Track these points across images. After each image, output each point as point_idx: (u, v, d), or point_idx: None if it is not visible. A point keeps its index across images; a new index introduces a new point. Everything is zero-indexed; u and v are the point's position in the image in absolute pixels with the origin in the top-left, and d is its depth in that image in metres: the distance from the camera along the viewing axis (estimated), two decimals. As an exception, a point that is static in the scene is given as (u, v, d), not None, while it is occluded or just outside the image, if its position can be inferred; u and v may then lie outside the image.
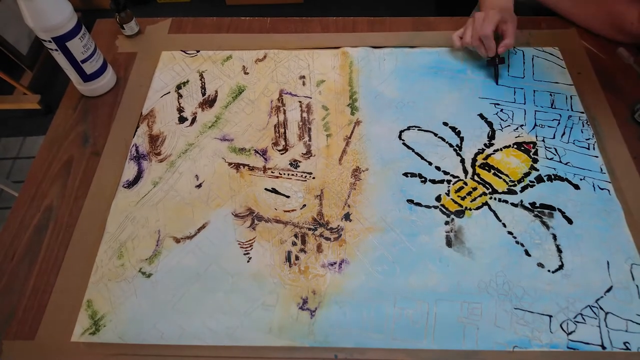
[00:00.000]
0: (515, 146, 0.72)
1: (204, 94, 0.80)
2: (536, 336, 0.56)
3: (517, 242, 0.63)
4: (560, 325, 0.57)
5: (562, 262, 0.61)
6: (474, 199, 0.67)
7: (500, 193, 0.67)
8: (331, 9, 2.20)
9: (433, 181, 0.69)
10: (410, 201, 0.67)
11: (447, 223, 0.65)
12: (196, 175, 0.70)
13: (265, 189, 0.69)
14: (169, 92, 0.81)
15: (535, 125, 0.74)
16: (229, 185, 0.69)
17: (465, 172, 0.70)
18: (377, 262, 0.62)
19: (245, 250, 0.63)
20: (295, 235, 0.64)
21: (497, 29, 0.76)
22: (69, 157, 0.74)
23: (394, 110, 0.77)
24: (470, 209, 0.66)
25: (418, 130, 0.75)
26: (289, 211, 0.67)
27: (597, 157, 0.71)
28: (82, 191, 0.70)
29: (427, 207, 0.66)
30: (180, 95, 0.80)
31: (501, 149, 0.72)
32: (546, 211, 0.65)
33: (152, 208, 0.67)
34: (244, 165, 0.71)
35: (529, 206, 0.66)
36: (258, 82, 0.81)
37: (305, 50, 0.86)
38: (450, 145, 0.73)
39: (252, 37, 0.83)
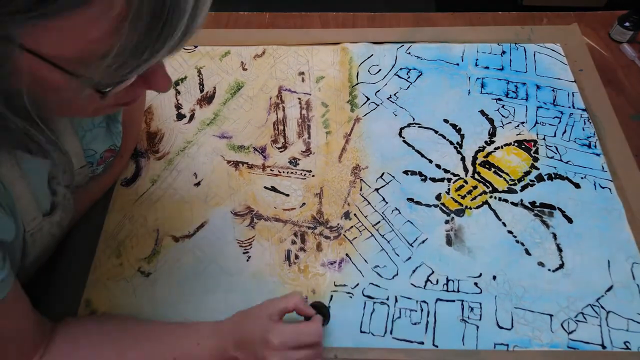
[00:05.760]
0: (516, 144, 0.71)
1: (202, 91, 0.79)
2: (537, 335, 0.56)
3: (517, 241, 0.63)
4: (561, 325, 0.56)
5: (562, 261, 0.61)
6: (474, 198, 0.67)
7: (500, 192, 0.67)
8: (331, 3, 2.17)
9: (433, 179, 0.68)
10: (410, 199, 0.67)
11: (447, 222, 0.64)
12: (195, 174, 0.70)
13: (265, 187, 0.68)
14: (167, 89, 0.80)
15: (537, 122, 0.74)
16: (228, 184, 0.69)
17: (466, 170, 0.69)
18: (377, 261, 0.61)
19: (245, 249, 0.63)
20: (295, 234, 0.64)
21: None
22: (66, 154, 0.73)
23: (394, 107, 0.76)
24: (470, 208, 0.66)
25: (419, 127, 0.74)
26: (288, 210, 0.66)
27: (598, 155, 0.70)
28: (80, 189, 0.69)
29: (427, 205, 0.66)
30: (178, 92, 0.79)
31: (502, 147, 0.71)
32: (546, 210, 0.65)
33: (151, 206, 0.67)
34: (243, 163, 0.71)
35: (529, 205, 0.66)
36: (257, 79, 0.81)
37: (304, 46, 0.85)
38: (451, 143, 0.72)
39: (251, 32, 0.82)
